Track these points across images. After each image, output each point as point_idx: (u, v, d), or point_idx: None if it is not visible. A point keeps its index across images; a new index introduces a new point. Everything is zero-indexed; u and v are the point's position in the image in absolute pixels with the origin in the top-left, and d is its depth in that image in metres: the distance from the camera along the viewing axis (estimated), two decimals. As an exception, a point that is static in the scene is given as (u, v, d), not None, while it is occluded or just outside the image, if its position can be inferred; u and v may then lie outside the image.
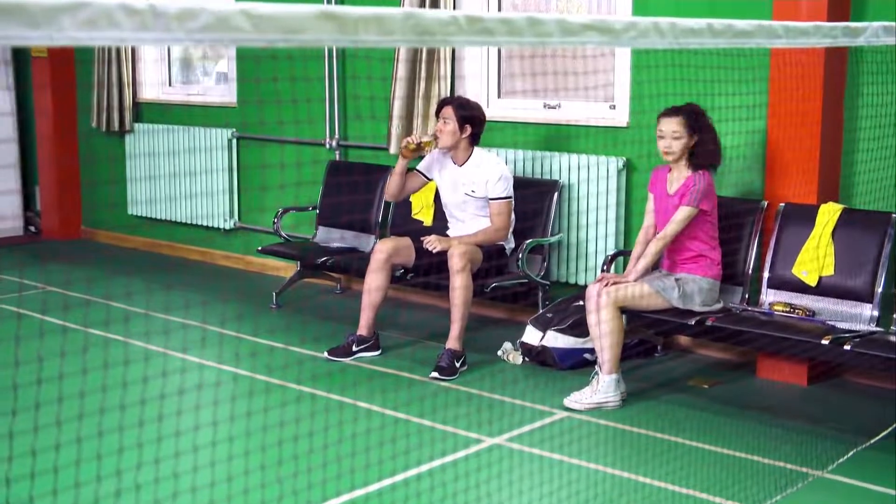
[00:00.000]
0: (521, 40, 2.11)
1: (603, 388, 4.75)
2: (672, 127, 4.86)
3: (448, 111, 5.56)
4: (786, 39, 2.91)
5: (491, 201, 5.56)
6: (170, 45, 1.67)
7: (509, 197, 5.58)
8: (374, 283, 5.46)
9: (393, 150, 6.51)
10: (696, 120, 4.86)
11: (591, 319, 4.81)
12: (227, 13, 1.72)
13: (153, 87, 8.62)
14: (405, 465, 3.99)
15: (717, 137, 4.92)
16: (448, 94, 6.36)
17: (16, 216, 9.22)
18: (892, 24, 3.43)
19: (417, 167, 5.79)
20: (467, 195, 5.60)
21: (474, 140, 5.61)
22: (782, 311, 4.87)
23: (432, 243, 5.49)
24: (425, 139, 5.48)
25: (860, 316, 4.76)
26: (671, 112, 4.89)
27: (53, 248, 8.76)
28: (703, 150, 4.86)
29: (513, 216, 5.69)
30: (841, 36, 3.18)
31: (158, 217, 8.42)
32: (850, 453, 4.23)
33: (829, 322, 4.72)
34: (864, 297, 4.77)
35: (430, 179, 5.78)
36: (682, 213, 4.82)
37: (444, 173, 5.69)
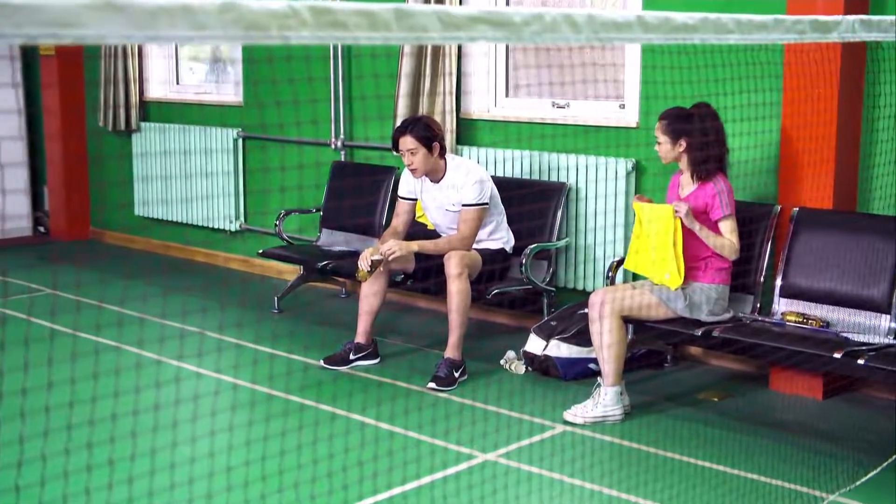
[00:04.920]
0: (388, 35, 1.83)
1: (605, 400, 4.54)
2: (657, 133, 4.69)
3: (409, 141, 5.22)
4: (738, 35, 2.63)
5: (462, 207, 5.30)
6: None
7: (481, 203, 5.28)
8: (370, 288, 5.27)
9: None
10: (678, 124, 4.62)
11: (594, 329, 4.60)
12: None
13: (159, 85, 8.48)
14: (390, 483, 3.81)
15: (718, 138, 4.63)
16: (454, 92, 6.16)
17: (25, 216, 9.11)
18: (871, 17, 3.17)
19: (401, 194, 5.55)
20: (448, 210, 5.37)
21: (443, 152, 5.36)
22: (794, 322, 4.62)
23: (391, 248, 5.15)
24: (375, 258, 5.13)
25: (878, 328, 4.51)
26: (660, 116, 4.71)
27: (61, 250, 8.64)
28: (697, 157, 4.60)
29: (502, 219, 5.46)
30: (809, 31, 2.88)
31: (165, 218, 8.28)
32: (866, 478, 3.98)
33: (844, 334, 4.48)
34: (882, 307, 4.51)
35: (416, 200, 5.54)
36: (728, 226, 4.58)
37: (424, 195, 5.46)
